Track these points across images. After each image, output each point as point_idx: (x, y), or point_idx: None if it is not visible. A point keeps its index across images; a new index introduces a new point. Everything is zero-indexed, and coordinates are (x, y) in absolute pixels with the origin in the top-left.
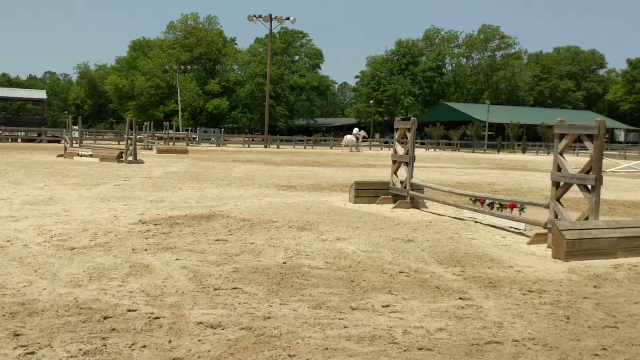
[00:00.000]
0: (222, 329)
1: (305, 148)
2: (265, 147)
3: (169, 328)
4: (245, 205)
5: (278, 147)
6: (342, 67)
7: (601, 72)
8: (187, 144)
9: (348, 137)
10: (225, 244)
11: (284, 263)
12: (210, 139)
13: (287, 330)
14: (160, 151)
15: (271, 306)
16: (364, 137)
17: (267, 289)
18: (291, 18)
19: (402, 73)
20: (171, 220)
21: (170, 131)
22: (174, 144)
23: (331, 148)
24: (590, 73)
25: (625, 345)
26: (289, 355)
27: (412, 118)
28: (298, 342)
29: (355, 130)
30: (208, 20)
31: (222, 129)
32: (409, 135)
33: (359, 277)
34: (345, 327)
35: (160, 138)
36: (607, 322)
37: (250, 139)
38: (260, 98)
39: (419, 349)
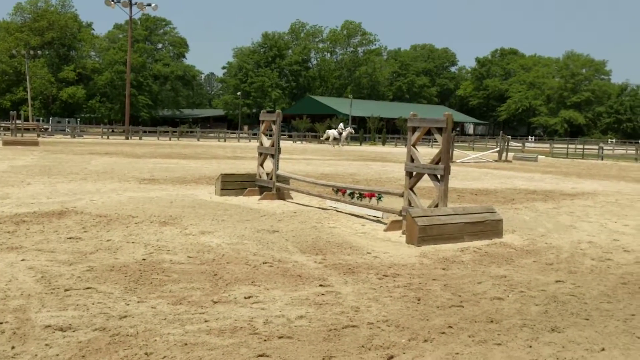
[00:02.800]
0: (73, 332)
1: (170, 140)
2: (127, 138)
3: (13, 333)
4: (102, 201)
5: (141, 139)
6: (209, 57)
7: (453, 69)
8: (38, 135)
9: (330, 131)
10: (79, 241)
11: (144, 260)
12: (64, 130)
13: (145, 329)
14: (6, 143)
15: (128, 305)
16: (350, 133)
17: (124, 287)
18: (153, 4)
19: (269, 66)
20: (17, 217)
21: (19, 121)
22: (22, 136)
23: (198, 140)
24: (443, 70)
25: (469, 322)
26: (146, 353)
27: (277, 111)
28: (156, 340)
29: (341, 125)
30: (61, 2)
31: (78, 120)
32: (274, 127)
33: (222, 270)
34: (206, 321)
35: (7, 129)
36: (453, 301)
37: (110, 130)
38: (120, 87)
39: (279, 337)
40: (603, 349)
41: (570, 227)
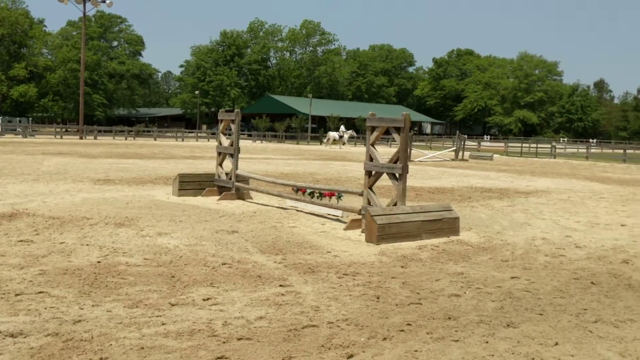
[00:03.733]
0: (24, 337)
1: (126, 139)
2: (81, 138)
3: None
4: (55, 202)
5: (95, 139)
6: (166, 56)
7: (411, 69)
8: None
9: (331, 133)
10: (30, 244)
11: (99, 262)
12: (15, 130)
13: (100, 333)
14: None
15: (82, 309)
16: (350, 136)
17: (78, 290)
18: (107, 1)
19: (228, 64)
20: None
21: None
22: None
23: (155, 139)
24: (401, 70)
25: (427, 319)
26: (101, 358)
27: (236, 110)
28: (111, 344)
29: (342, 127)
30: None
31: (30, 119)
32: (233, 126)
33: (180, 272)
34: (163, 324)
35: None
36: (412, 299)
37: (64, 130)
38: (74, 85)
39: (239, 339)
40: (557, 344)
41: (524, 224)
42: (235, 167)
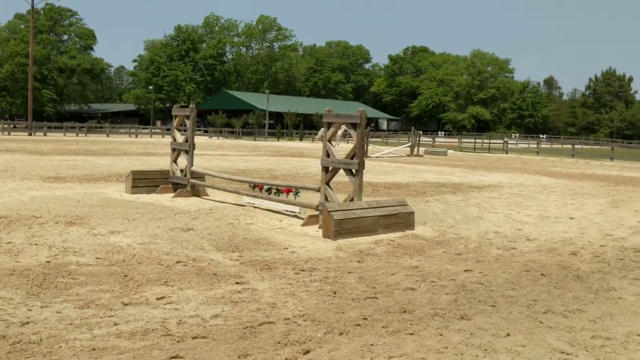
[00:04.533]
0: None
1: (77, 136)
2: (30, 134)
3: None
4: (2, 201)
5: (45, 135)
6: (118, 50)
7: (367, 66)
8: None
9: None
10: None
11: (48, 262)
12: None
13: (49, 335)
14: None
15: (30, 310)
16: (344, 132)
17: (26, 292)
18: None
19: (183, 59)
20: None
21: None
22: None
23: (107, 135)
24: (357, 67)
25: (383, 313)
26: None
27: (190, 105)
28: (61, 346)
29: None
30: None
31: None
32: (188, 122)
33: (133, 271)
34: (115, 324)
35: None
36: (368, 293)
37: (12, 126)
38: (22, 80)
39: (194, 337)
40: (508, 334)
41: (477, 218)
42: (191, 163)
